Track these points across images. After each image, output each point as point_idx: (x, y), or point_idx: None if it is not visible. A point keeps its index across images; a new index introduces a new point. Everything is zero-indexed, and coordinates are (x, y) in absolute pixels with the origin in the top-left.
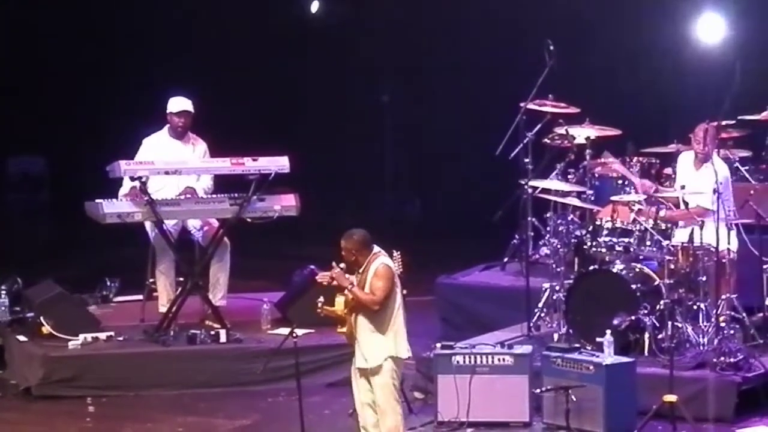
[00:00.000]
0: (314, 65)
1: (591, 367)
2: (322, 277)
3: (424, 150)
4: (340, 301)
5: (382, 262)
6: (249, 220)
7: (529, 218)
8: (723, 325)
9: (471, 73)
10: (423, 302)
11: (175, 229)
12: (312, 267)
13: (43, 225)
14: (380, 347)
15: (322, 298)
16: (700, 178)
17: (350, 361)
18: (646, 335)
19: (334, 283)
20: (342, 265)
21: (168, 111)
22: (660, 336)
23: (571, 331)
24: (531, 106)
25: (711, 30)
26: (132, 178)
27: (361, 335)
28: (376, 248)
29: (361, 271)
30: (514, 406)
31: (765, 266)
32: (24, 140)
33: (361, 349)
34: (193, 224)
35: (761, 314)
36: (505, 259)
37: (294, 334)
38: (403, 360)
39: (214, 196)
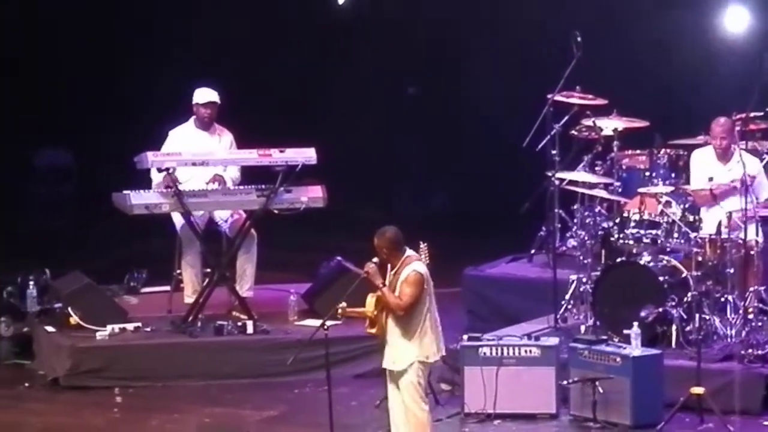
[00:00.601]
0: (341, 56)
1: (618, 359)
2: (367, 270)
3: (451, 141)
4: (371, 301)
5: (414, 269)
6: (276, 211)
7: (556, 210)
8: (750, 317)
9: (498, 65)
10: (450, 294)
11: (202, 220)
12: (339, 258)
13: (71, 217)
14: (407, 351)
15: (344, 303)
16: (729, 172)
17: (377, 352)
18: (674, 327)
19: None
20: (376, 260)
21: (194, 102)
22: (687, 328)
23: (598, 323)
24: (558, 97)
25: (737, 21)
26: (159, 170)
27: (391, 337)
28: (409, 251)
29: (393, 272)
30: (541, 398)
31: None
32: (51, 132)
33: (391, 350)
34: (220, 215)
35: None
36: (532, 251)
37: (325, 326)
38: (432, 363)
39: (241, 187)
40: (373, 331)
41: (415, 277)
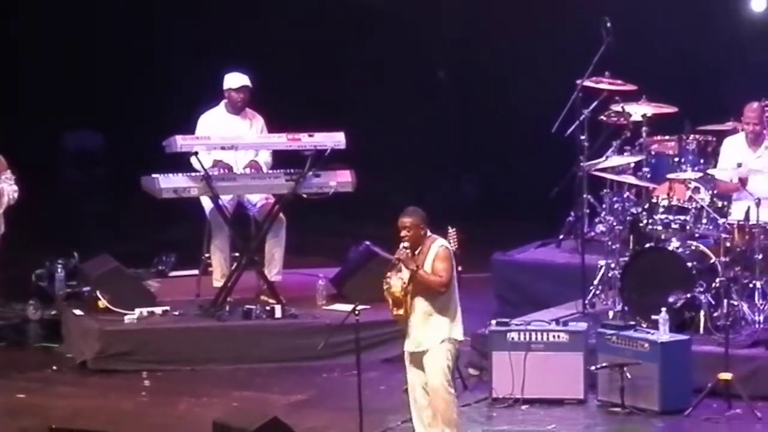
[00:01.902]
0: (370, 40)
1: (646, 345)
2: (400, 254)
3: (480, 126)
4: (396, 283)
5: (442, 245)
6: (305, 195)
7: (585, 196)
8: None
9: (528, 50)
10: (478, 279)
11: (231, 204)
12: (367, 243)
13: (100, 200)
14: (438, 330)
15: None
16: (759, 159)
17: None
18: (702, 313)
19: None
20: (406, 244)
21: (227, 87)
22: (715, 314)
23: (626, 308)
24: (587, 83)
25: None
26: (189, 154)
27: (417, 318)
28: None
29: (418, 252)
30: (569, 384)
31: None
32: (81, 115)
33: (415, 332)
34: (250, 199)
35: None
36: (561, 237)
37: (356, 311)
38: (460, 342)
39: (270, 171)
40: (401, 312)
41: (445, 252)
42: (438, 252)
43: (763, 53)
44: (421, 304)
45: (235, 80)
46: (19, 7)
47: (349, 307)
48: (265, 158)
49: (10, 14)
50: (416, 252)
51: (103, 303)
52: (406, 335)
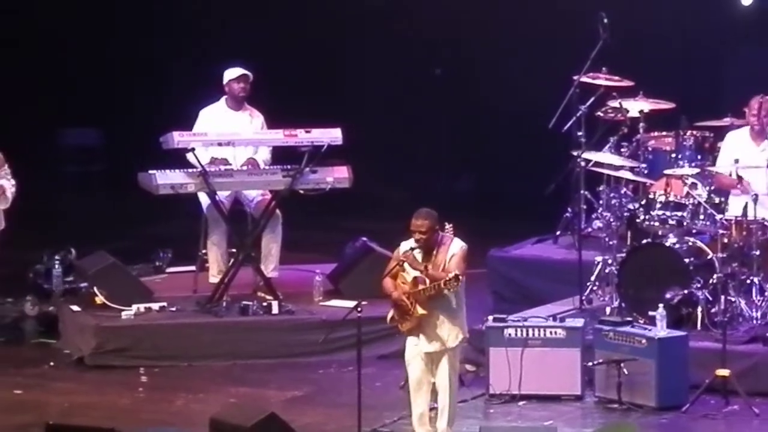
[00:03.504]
0: (368, 37)
1: (643, 341)
2: (405, 256)
3: (477, 123)
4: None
5: (462, 244)
6: (301, 191)
7: (582, 191)
8: None
9: (525, 46)
10: (475, 275)
11: (227, 200)
12: (364, 239)
13: (97, 196)
14: (459, 328)
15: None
16: (762, 153)
17: (401, 334)
18: (699, 309)
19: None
20: (413, 244)
21: (227, 80)
22: (713, 310)
23: (623, 304)
24: (584, 79)
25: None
26: (186, 150)
27: (436, 318)
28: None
29: (434, 253)
30: (566, 380)
31: None
32: (79, 112)
33: (433, 332)
34: (248, 195)
35: None
36: (558, 233)
37: (359, 308)
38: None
39: (267, 167)
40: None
41: (465, 251)
42: (459, 251)
43: (759, 48)
44: (438, 303)
45: (234, 71)
46: (17, 3)
47: (345, 303)
48: (264, 156)
49: (8, 10)
50: (432, 253)
51: (100, 299)
52: (414, 334)
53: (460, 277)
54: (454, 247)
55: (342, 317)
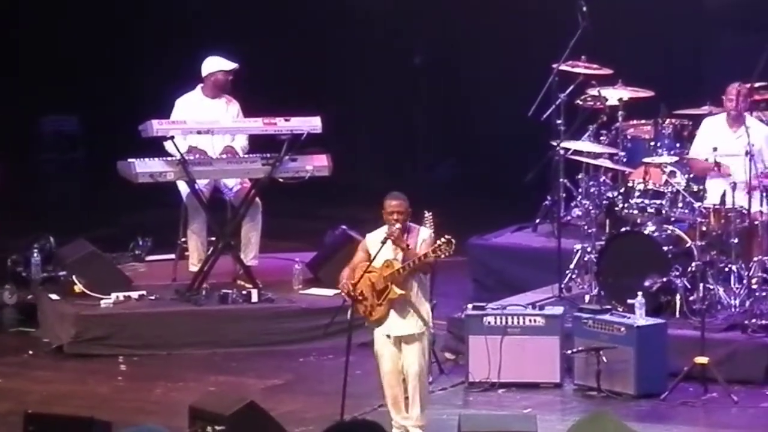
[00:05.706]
0: (348, 25)
1: (622, 329)
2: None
3: (456, 111)
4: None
5: (431, 232)
6: (281, 180)
7: (561, 180)
8: (755, 287)
9: (504, 34)
10: (454, 263)
11: (207, 188)
12: (344, 227)
13: (76, 184)
14: (424, 314)
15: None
16: (738, 140)
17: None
18: (678, 297)
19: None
20: (399, 225)
21: (215, 69)
22: (691, 298)
23: (602, 292)
24: (563, 67)
25: None
26: (164, 138)
27: (402, 303)
28: None
29: (405, 238)
30: (545, 367)
31: None
32: (58, 99)
33: (399, 317)
34: (227, 184)
35: None
36: (537, 221)
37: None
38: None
39: (247, 156)
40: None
41: (433, 238)
42: (428, 237)
43: (739, 37)
44: (409, 286)
45: (225, 63)
46: None
47: (325, 292)
48: (241, 143)
49: None
50: (403, 238)
51: (79, 287)
52: (383, 323)
53: (452, 241)
54: (424, 233)
55: (334, 305)
